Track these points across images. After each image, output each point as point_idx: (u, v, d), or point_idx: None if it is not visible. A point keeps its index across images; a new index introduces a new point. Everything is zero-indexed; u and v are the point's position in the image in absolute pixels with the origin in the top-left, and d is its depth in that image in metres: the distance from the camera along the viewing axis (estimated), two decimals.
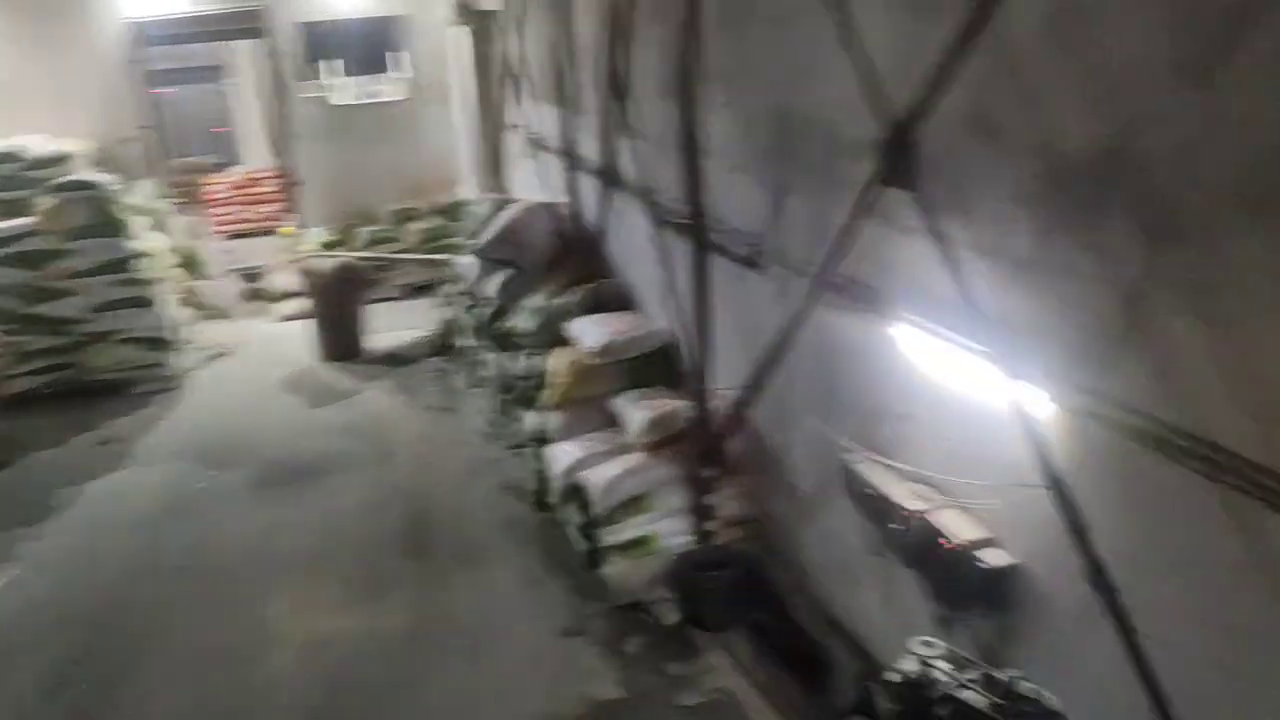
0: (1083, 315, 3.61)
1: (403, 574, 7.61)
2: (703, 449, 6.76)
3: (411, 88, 15.31)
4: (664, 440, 7.30)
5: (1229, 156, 2.95)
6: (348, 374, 11.83)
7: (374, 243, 14.76)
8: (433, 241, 14.64)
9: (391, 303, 14.03)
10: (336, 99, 15.07)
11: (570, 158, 9.11)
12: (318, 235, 14.87)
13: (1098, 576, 3.56)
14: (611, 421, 7.97)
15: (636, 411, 7.52)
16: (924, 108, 4.00)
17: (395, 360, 12.15)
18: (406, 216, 15.26)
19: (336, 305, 12.06)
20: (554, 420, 8.21)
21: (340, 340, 12.18)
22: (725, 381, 6.64)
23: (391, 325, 12.94)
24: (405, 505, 8.63)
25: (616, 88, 7.62)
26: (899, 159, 4.22)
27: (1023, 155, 3.78)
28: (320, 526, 8.39)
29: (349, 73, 15.08)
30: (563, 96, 8.92)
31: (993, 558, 4.35)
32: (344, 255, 13.36)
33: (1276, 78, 2.79)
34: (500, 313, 9.77)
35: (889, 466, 5.06)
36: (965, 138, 4.07)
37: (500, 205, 10.56)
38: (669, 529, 7.10)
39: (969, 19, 3.62)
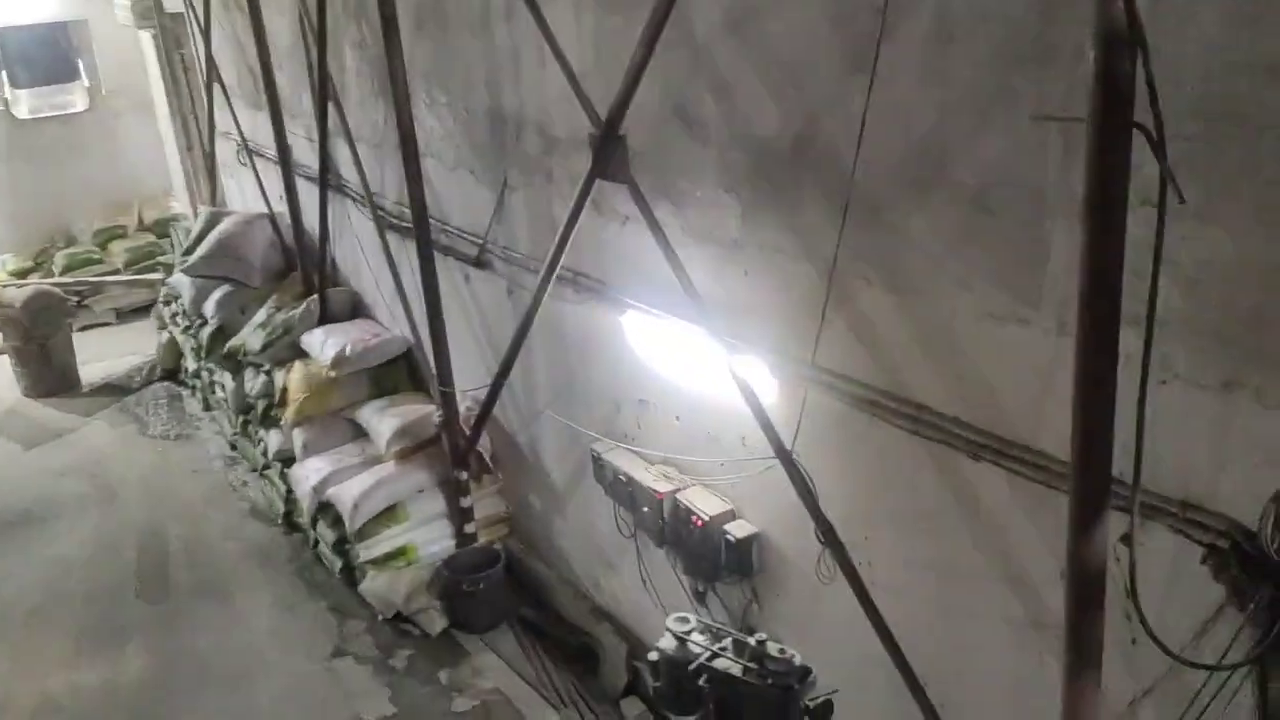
0: (791, 291, 3.83)
1: (142, 618, 7.12)
2: (454, 452, 6.70)
3: (99, 97, 14.22)
4: (414, 447, 7.16)
5: (895, 140, 3.20)
6: (62, 409, 10.89)
7: (74, 266, 13.63)
8: (143, 261, 13.67)
9: (105, 328, 13.04)
10: (20, 112, 13.78)
11: (286, 164, 8.74)
12: (5, 263, 13.58)
13: (829, 535, 3.79)
14: (359, 433, 7.76)
15: (383, 421, 7.34)
16: (626, 101, 4.10)
17: (116, 389, 11.30)
18: (111, 236, 14.19)
19: (37, 337, 11.06)
20: (297, 437, 7.90)
21: (47, 374, 11.19)
22: (469, 382, 6.60)
23: (108, 353, 12.04)
24: (139, 544, 8.06)
25: (325, 90, 7.37)
26: (609, 152, 4.31)
27: (723, 144, 3.95)
28: (42, 577, 7.71)
29: (29, 83, 13.80)
30: (270, 100, 8.53)
31: (737, 529, 4.56)
32: (39, 283, 12.27)
33: (922, 67, 3.05)
34: (222, 331, 9.29)
35: (634, 452, 5.20)
36: (669, 129, 4.21)
37: (214, 218, 10.00)
38: (427, 536, 7.00)
39: (653, 15, 3.72)
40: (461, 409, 6.67)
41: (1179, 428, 2.60)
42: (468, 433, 6.59)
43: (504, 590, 6.70)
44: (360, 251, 8.19)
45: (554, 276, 5.01)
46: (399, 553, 6.91)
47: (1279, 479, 2.39)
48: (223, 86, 10.50)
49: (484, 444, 6.86)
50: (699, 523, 4.64)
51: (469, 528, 6.96)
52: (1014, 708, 3.46)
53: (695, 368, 4.55)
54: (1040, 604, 3.21)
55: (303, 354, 8.07)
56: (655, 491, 4.88)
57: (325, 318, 8.30)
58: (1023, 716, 3.42)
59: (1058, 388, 2.90)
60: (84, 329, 12.68)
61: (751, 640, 3.78)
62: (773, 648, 3.75)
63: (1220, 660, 2.62)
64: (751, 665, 3.73)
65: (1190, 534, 2.66)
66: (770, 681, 3.66)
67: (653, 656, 3.96)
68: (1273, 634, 2.46)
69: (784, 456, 3.85)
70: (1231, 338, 2.44)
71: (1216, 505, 2.60)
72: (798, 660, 3.68)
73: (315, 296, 8.38)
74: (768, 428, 3.87)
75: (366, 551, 6.86)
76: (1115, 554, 2.63)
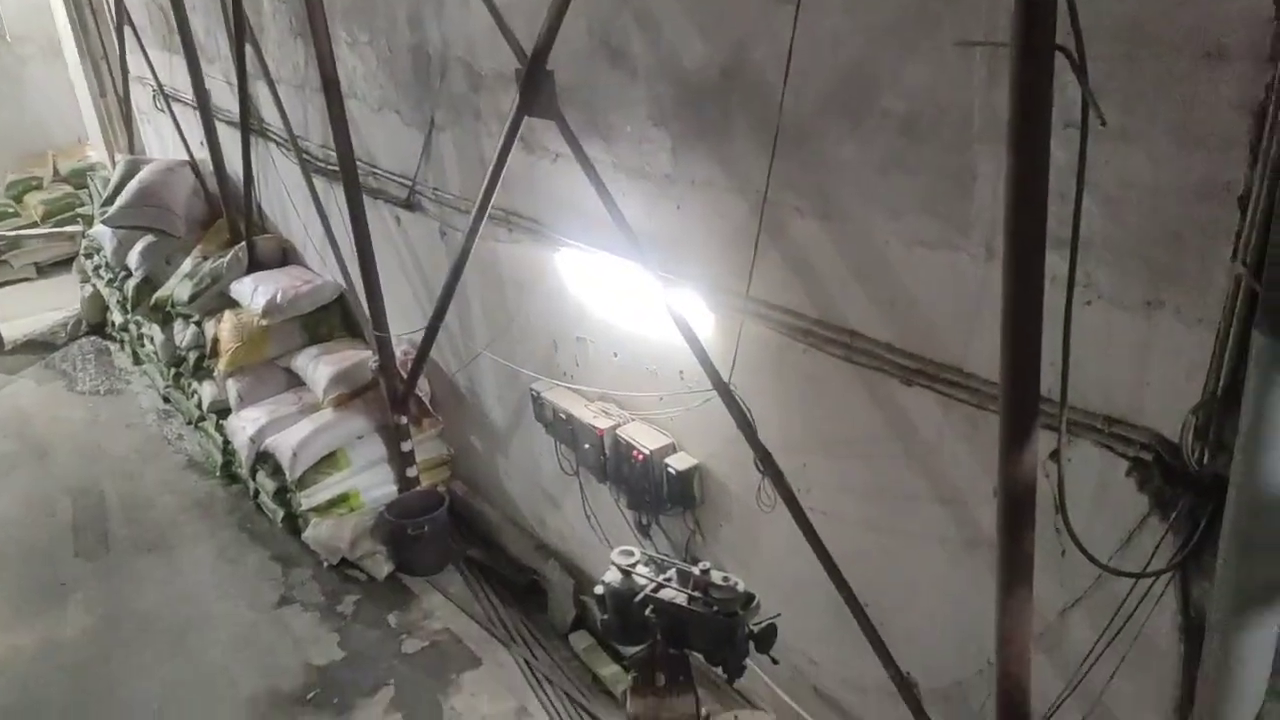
0: (724, 224, 3.83)
1: (81, 575, 7.04)
2: (392, 397, 6.66)
3: (4, 43, 13.66)
4: (352, 393, 7.11)
5: (823, 68, 3.19)
6: None
7: None
8: (61, 213, 13.26)
9: (25, 284, 12.70)
10: None
11: (205, 109, 8.48)
12: None
13: (768, 463, 3.85)
14: (295, 381, 7.68)
15: (318, 368, 7.27)
16: (552, 35, 4.04)
17: (41, 346, 11.01)
18: (26, 188, 13.72)
19: None
20: (231, 388, 7.79)
21: None
22: (404, 326, 6.55)
23: (30, 309, 11.71)
24: (74, 501, 7.94)
25: (241, 30, 7.14)
26: (537, 88, 4.25)
27: (651, 77, 3.91)
28: None
29: None
30: (185, 43, 8.24)
31: (678, 462, 4.61)
32: None
33: None
34: (148, 283, 9.08)
35: (574, 390, 5.21)
36: (597, 64, 4.16)
37: (133, 167, 9.70)
38: (369, 482, 6.99)
39: None
40: (398, 353, 6.62)
41: (1104, 346, 2.67)
42: (405, 376, 6.54)
43: (449, 532, 6.73)
44: (287, 197, 8.02)
45: (486, 216, 4.97)
46: (341, 499, 6.89)
47: (1199, 392, 2.46)
48: (134, 29, 10.14)
49: (422, 387, 6.83)
50: (640, 457, 4.68)
51: (411, 471, 6.95)
52: (950, 623, 3.57)
53: (632, 304, 4.56)
54: (973, 522, 3.30)
55: (232, 303, 7.93)
56: (596, 428, 4.90)
57: (254, 265, 8.15)
58: (959, 631, 3.53)
59: (987, 311, 2.95)
60: (3, 285, 12.35)
61: (695, 569, 3.84)
62: (716, 576, 3.82)
63: (1145, 568, 2.73)
64: (696, 594, 3.80)
65: (1115, 448, 2.74)
66: (715, 609, 3.73)
67: (599, 590, 4.01)
68: (1194, 540, 2.56)
69: (722, 388, 3.88)
70: (1152, 258, 2.49)
71: (1141, 420, 2.67)
72: (741, 587, 3.76)
73: (242, 244, 8.21)
74: (705, 361, 3.89)
75: (308, 499, 6.83)
76: (1044, 471, 2.70)
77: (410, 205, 6.12)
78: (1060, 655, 3.15)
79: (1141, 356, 2.61)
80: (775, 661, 4.00)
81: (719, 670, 3.98)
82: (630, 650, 4.26)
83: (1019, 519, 2.70)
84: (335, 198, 6.62)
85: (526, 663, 5.78)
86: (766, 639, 3.81)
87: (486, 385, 6.33)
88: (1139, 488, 2.69)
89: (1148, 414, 2.65)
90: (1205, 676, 2.52)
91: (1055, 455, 2.70)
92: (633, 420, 4.88)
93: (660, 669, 4.03)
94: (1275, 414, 2.13)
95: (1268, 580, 2.30)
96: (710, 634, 3.81)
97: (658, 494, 4.71)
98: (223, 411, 7.94)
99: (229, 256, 8.17)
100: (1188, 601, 2.68)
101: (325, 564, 6.78)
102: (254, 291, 7.60)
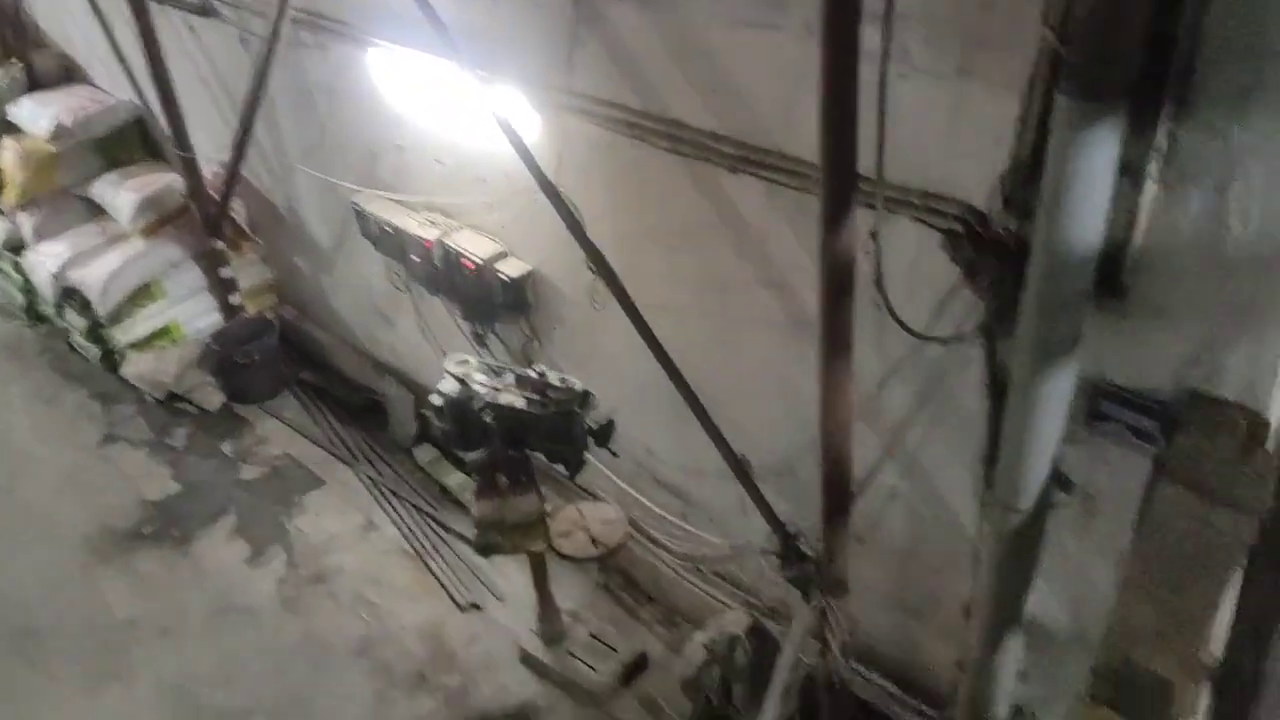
0: (541, 13, 3.67)
1: None
2: (206, 220, 6.30)
3: None
4: (161, 220, 6.71)
5: None
6: None
7: None
8: None
9: None
10: None
11: None
12: None
13: (598, 262, 3.82)
14: (97, 211, 7.17)
15: (120, 194, 6.79)
16: None
17: None
18: None
19: None
20: (24, 222, 7.22)
21: None
22: (211, 145, 6.15)
23: None
24: None
25: None
26: None
27: None
28: None
29: None
30: None
31: (511, 268, 4.55)
32: None
33: None
34: None
35: (398, 201, 5.04)
36: None
37: None
38: (190, 312, 6.72)
39: None
40: (207, 174, 6.24)
41: (919, 120, 2.71)
42: (217, 198, 6.19)
43: (280, 358, 6.56)
44: (63, 8, 7.27)
45: (287, 19, 4.63)
46: (162, 332, 6.62)
47: (1007, 160, 2.53)
48: None
49: (238, 209, 6.50)
50: (471, 266, 4.61)
51: (234, 299, 6.69)
52: (779, 403, 3.72)
53: (452, 107, 4.38)
54: (799, 304, 3.40)
55: (13, 129, 7.25)
56: (424, 239, 4.78)
57: (32, 85, 7.44)
58: (787, 410, 3.68)
59: (807, 93, 2.93)
60: None
61: (532, 373, 3.87)
62: (554, 377, 3.86)
63: (955, 332, 2.87)
64: (534, 396, 3.84)
65: (930, 222, 2.83)
66: (552, 409, 3.79)
67: (435, 400, 4.01)
68: (999, 303, 2.69)
69: (549, 189, 3.80)
70: (964, 24, 2.51)
71: (954, 192, 2.76)
72: (579, 387, 3.81)
73: (18, 63, 7.46)
74: (530, 162, 3.77)
75: (124, 334, 6.53)
76: (866, 250, 2.77)
77: (204, 11, 5.64)
78: (880, 423, 3.33)
79: (953, 127, 2.67)
80: (615, 455, 4.12)
81: (561, 468, 4.08)
82: (472, 456, 4.31)
83: (839, 296, 2.79)
84: (119, 6, 6.04)
85: (371, 479, 5.78)
86: (605, 434, 3.91)
87: (306, 203, 6.06)
88: (951, 258, 2.79)
89: (960, 186, 2.73)
90: (1008, 429, 2.69)
91: (874, 233, 2.76)
92: (461, 229, 4.77)
93: (501, 471, 4.11)
94: (1075, 176, 2.21)
95: (1064, 335, 2.45)
96: (549, 433, 3.89)
97: (491, 302, 4.67)
98: (18, 248, 7.38)
99: (1, 76, 7.42)
100: (993, 362, 2.84)
101: (150, 399, 6.54)
102: (36, 114, 6.97)
